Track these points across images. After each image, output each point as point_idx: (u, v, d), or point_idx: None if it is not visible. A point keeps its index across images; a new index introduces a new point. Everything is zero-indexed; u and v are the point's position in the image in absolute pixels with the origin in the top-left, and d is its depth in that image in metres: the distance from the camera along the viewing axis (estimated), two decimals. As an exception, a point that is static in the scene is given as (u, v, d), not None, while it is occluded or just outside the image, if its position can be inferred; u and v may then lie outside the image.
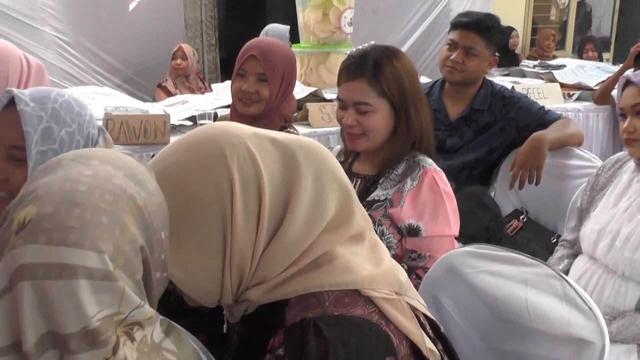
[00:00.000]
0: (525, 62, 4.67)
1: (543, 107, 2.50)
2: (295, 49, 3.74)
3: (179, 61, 5.27)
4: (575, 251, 1.96)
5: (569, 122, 2.47)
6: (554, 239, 2.29)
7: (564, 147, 2.38)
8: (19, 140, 1.21)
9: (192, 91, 5.09)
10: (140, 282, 0.80)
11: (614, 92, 3.62)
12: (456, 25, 2.45)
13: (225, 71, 6.15)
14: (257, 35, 5.44)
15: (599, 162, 2.23)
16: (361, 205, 1.07)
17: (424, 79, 3.92)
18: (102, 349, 0.72)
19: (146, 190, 0.82)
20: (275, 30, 5.38)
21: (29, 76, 1.74)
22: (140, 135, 2.46)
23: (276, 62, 2.01)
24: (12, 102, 1.24)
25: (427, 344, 1.01)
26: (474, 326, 1.37)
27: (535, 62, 4.43)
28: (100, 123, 1.74)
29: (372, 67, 1.64)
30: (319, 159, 1.02)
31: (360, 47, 1.75)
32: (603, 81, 3.78)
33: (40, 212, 0.73)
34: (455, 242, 1.68)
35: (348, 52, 2.56)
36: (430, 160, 1.69)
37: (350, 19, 3.55)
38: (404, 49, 5.62)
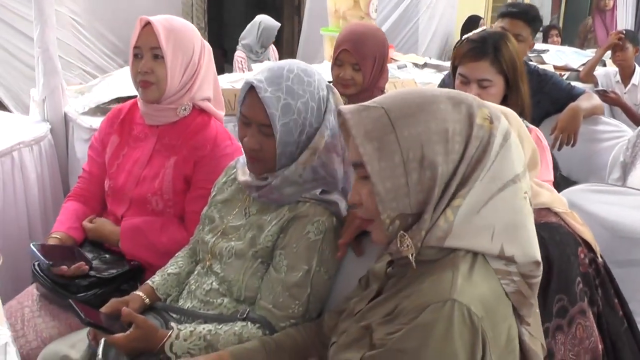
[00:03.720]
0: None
1: (569, 83, 2.92)
2: (324, 32, 4.05)
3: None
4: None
5: (592, 95, 2.89)
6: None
7: (592, 116, 2.80)
8: (266, 119, 1.44)
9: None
10: None
11: (597, 72, 4.13)
12: (506, 14, 2.81)
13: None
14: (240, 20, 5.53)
15: (623, 127, 2.67)
16: None
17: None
18: None
19: None
20: (267, 24, 5.47)
21: (202, 53, 1.97)
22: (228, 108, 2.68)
23: (366, 52, 2.31)
24: (252, 88, 1.46)
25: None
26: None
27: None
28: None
29: (493, 49, 1.98)
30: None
31: (475, 32, 2.09)
32: (584, 63, 4.27)
33: None
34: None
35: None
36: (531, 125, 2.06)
37: (376, 6, 3.88)
38: (384, 28, 5.95)
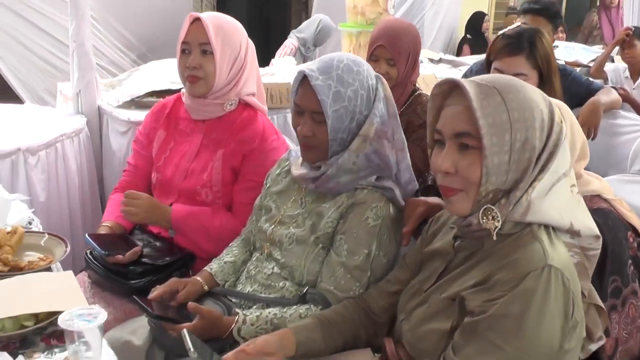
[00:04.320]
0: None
1: (588, 78, 2.99)
2: (342, 28, 4.11)
3: (197, 38, 5.45)
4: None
5: (611, 90, 2.96)
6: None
7: (611, 110, 2.88)
8: (318, 106, 1.51)
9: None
10: None
11: (606, 67, 4.21)
12: (528, 10, 2.89)
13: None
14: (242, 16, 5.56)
15: (641, 121, 2.75)
16: None
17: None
18: None
19: None
20: (326, 23, 5.40)
21: (247, 49, 2.03)
22: (267, 101, 2.76)
23: (401, 47, 2.38)
24: (304, 78, 1.54)
25: None
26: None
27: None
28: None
29: (528, 45, 2.05)
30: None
31: (511, 27, 2.16)
32: (593, 59, 4.35)
33: None
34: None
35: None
36: None
37: (394, 2, 3.94)
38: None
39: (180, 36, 1.98)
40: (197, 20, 1.94)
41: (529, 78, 2.06)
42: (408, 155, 1.63)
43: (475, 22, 7.09)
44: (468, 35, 7.09)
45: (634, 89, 4.13)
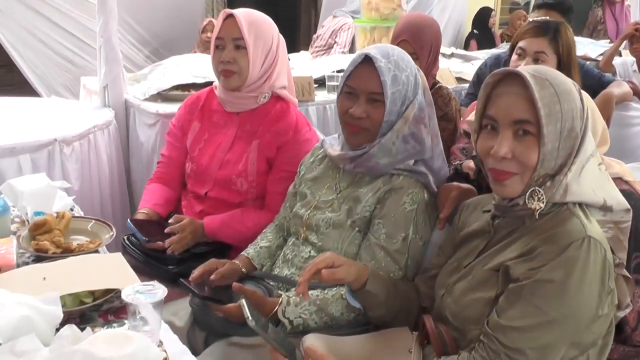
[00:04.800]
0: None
1: (599, 71, 3.07)
2: (357, 23, 4.17)
3: (209, 34, 5.45)
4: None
5: (622, 83, 3.04)
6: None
7: (623, 102, 2.95)
8: (378, 87, 1.58)
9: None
10: None
11: (615, 61, 4.27)
12: (542, 5, 2.97)
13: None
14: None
15: (653, 112, 2.83)
16: None
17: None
18: None
19: None
20: None
21: (279, 44, 2.09)
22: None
23: (424, 41, 2.45)
24: (363, 60, 1.60)
25: None
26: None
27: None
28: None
29: (553, 31, 2.16)
30: None
31: (538, 18, 2.27)
32: (602, 53, 4.41)
33: None
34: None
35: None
36: None
37: (408, -2, 4.01)
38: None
39: (213, 32, 2.05)
40: (230, 16, 2.01)
41: (548, 60, 2.14)
42: (441, 142, 1.70)
43: (482, 17, 7.16)
44: (475, 31, 7.15)
45: (642, 82, 4.20)
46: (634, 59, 4.28)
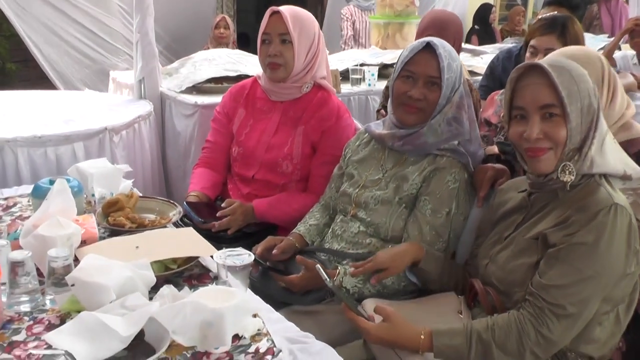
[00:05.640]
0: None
1: (605, 63, 3.24)
2: (372, 20, 4.33)
3: (222, 30, 5.59)
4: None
5: (627, 74, 3.22)
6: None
7: (628, 93, 3.12)
8: (437, 72, 1.75)
9: (232, 58, 5.50)
10: None
11: (615, 55, 4.45)
12: (551, 2, 3.13)
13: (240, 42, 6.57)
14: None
15: (657, 103, 2.99)
16: None
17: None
18: None
19: None
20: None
21: (320, 37, 2.25)
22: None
23: (448, 36, 2.57)
24: (426, 47, 1.76)
25: None
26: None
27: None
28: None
29: (561, 27, 2.32)
30: None
31: (546, 15, 2.43)
32: (602, 48, 4.59)
33: None
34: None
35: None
36: None
37: (418, -6, 4.18)
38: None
39: (260, 28, 2.20)
40: (276, 13, 2.17)
41: None
42: (477, 127, 1.87)
43: (483, 13, 7.34)
44: (476, 26, 7.33)
45: (642, 74, 4.37)
46: (634, 53, 4.46)
